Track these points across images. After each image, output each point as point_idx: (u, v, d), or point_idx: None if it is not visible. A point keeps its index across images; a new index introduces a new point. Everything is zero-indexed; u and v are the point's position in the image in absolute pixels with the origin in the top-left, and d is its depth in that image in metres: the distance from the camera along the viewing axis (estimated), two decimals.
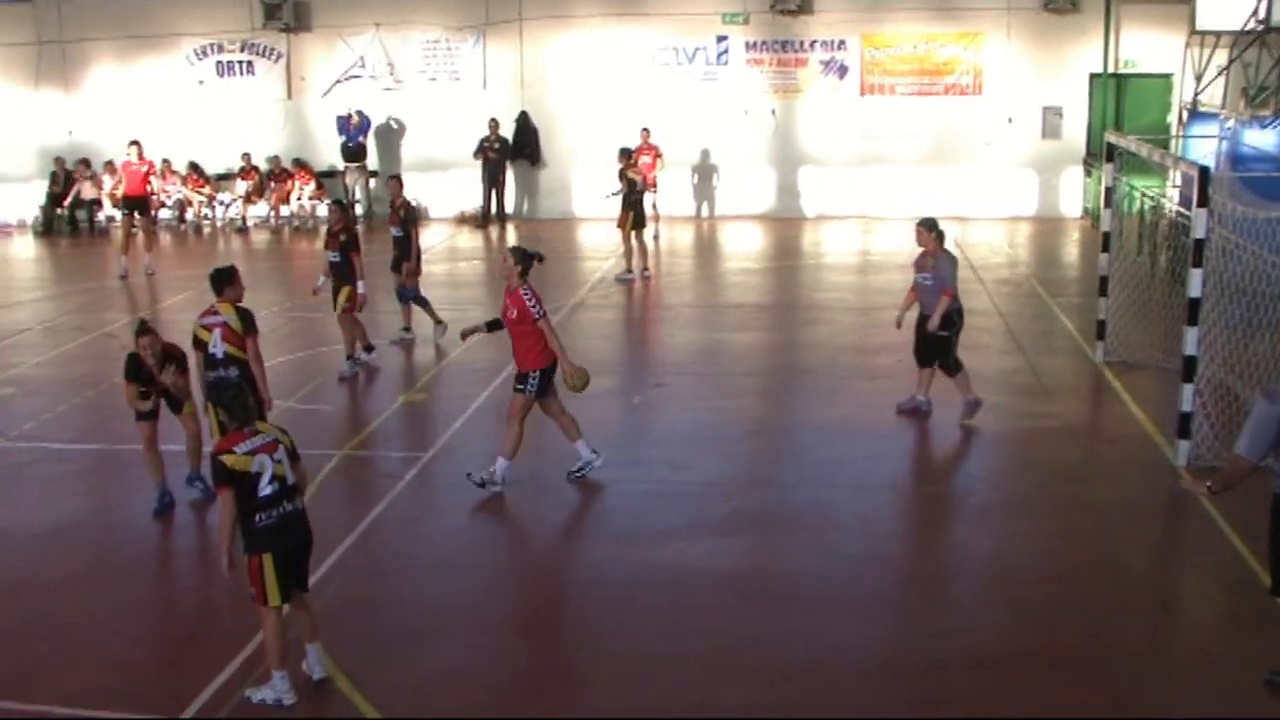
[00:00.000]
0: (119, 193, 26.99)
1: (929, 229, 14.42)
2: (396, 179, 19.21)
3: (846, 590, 10.20)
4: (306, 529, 8.81)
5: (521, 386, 12.36)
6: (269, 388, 12.49)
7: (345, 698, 8.66)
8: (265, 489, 8.44)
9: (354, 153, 31.62)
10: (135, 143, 26.16)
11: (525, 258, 12.39)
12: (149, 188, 26.91)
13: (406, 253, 18.32)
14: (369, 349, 17.15)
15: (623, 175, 23.48)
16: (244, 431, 8.58)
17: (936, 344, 14.21)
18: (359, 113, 31.41)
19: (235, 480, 8.36)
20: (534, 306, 12.13)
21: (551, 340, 12.21)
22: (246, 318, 12.33)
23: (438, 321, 18.50)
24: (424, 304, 18.61)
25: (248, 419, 8.66)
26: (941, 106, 29.79)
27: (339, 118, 31.44)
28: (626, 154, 24.00)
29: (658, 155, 27.92)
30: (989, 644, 9.30)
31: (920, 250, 14.52)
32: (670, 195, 29.18)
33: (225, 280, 12.47)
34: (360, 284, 16.72)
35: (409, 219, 18.54)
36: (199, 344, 12.30)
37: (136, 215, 26.11)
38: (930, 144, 29.83)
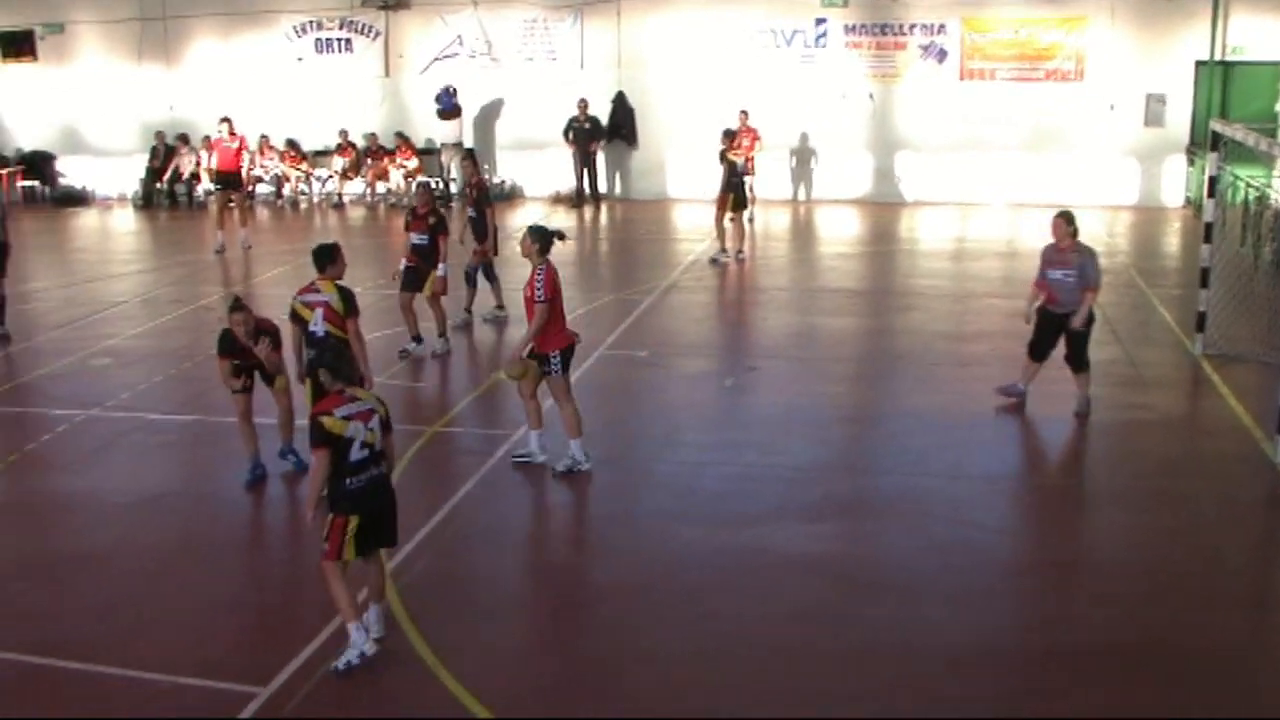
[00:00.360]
0: (212, 167, 27.21)
1: (1068, 222, 13.84)
2: (470, 159, 19.32)
3: (936, 579, 10.10)
4: (391, 494, 9.11)
5: (546, 369, 12.33)
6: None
7: (430, 671, 8.70)
8: (356, 454, 8.72)
9: (449, 114, 31.70)
10: (227, 119, 26.36)
11: (543, 236, 12.41)
12: (241, 164, 27.04)
13: (482, 233, 18.24)
14: (417, 340, 16.79)
15: (723, 157, 23.37)
16: (343, 395, 8.85)
17: (1078, 340, 13.83)
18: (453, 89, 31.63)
19: (331, 442, 8.62)
20: (539, 288, 12.10)
21: (538, 321, 12.14)
22: (349, 298, 12.22)
23: (500, 305, 18.61)
24: (493, 282, 18.62)
25: (350, 379, 9.01)
26: (1042, 93, 29.33)
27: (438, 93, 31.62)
28: (729, 135, 23.86)
29: (756, 138, 27.80)
30: (1080, 637, 9.18)
31: (1050, 243, 13.99)
32: (767, 179, 29.07)
33: (328, 257, 12.29)
34: (441, 267, 16.60)
35: (483, 199, 18.50)
36: (298, 319, 12.20)
37: (230, 192, 26.21)
38: (1030, 131, 29.38)
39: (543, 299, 12.08)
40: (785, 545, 10.79)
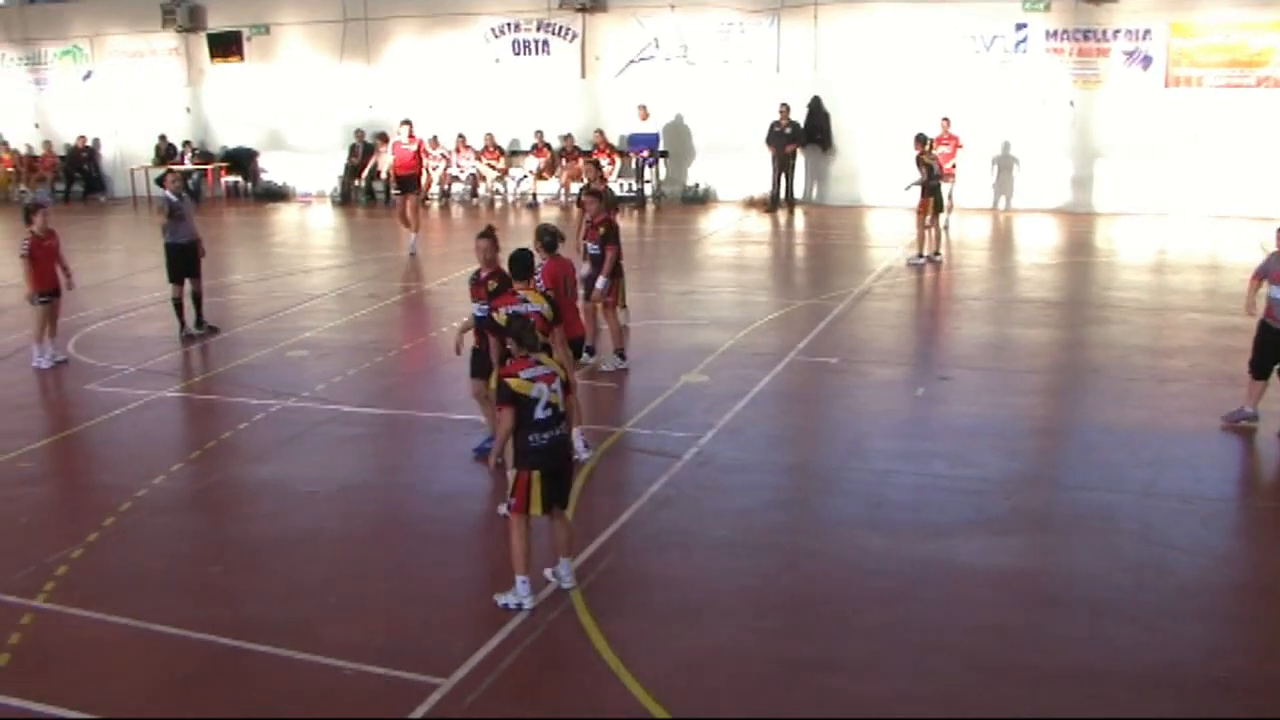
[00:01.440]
0: (391, 169, 27.43)
1: None
2: (594, 196, 17.11)
3: (1125, 598, 9.89)
4: (569, 453, 9.99)
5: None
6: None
7: (611, 671, 8.77)
8: (540, 413, 9.45)
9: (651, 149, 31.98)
10: (407, 121, 26.84)
11: (546, 234, 13.42)
12: (420, 166, 27.36)
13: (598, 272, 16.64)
14: (590, 350, 16.38)
15: (920, 162, 23.19)
16: (529, 359, 9.58)
17: None
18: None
19: (516, 401, 9.40)
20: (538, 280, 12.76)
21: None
22: (556, 307, 12.13)
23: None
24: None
25: (534, 346, 9.69)
26: (1253, 100, 28.45)
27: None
28: (922, 140, 23.66)
29: (957, 145, 27.53)
30: (1272, 668, 8.92)
31: (1273, 253, 13.53)
32: (965, 186, 28.76)
33: (528, 266, 11.97)
34: (602, 280, 16.26)
35: (608, 238, 16.64)
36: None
37: (409, 194, 26.44)
38: (1239, 140, 28.45)
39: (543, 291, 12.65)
40: (973, 558, 10.68)
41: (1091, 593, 10.00)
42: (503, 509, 10.11)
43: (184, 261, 18.80)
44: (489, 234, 12.60)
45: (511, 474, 9.68)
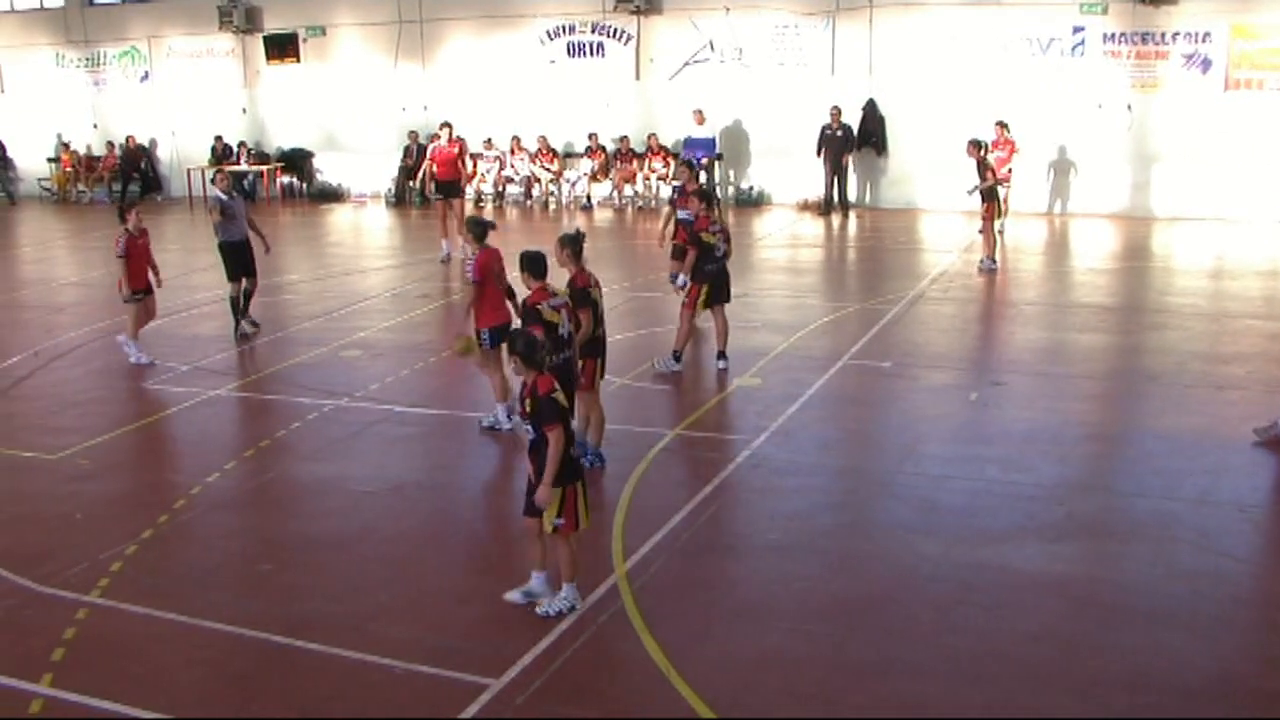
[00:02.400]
0: (433, 173, 26.44)
1: None
2: (699, 197, 17.22)
3: (1181, 607, 9.80)
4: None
5: (479, 342, 13.76)
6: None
7: (662, 674, 8.76)
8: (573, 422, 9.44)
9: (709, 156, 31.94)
10: (447, 124, 26.32)
11: (476, 225, 14.16)
12: (461, 170, 26.88)
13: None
14: (676, 356, 16.52)
15: (983, 164, 23.03)
16: (545, 375, 9.36)
17: None
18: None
19: (563, 416, 9.25)
20: (469, 270, 13.81)
21: (467, 300, 14.07)
22: (578, 295, 12.33)
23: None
24: None
25: (541, 365, 9.39)
26: None
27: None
28: (976, 145, 23.43)
29: (1013, 150, 27.37)
30: None
31: None
32: (1021, 190, 28.60)
33: (544, 266, 12.06)
34: (681, 277, 16.64)
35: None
36: (549, 325, 11.67)
37: (450, 199, 26.04)
38: None
39: (473, 279, 13.72)
40: (1026, 564, 10.60)
41: (1146, 601, 9.92)
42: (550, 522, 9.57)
43: (238, 260, 18.99)
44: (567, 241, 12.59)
45: (557, 492, 9.26)
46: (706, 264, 16.28)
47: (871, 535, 11.48)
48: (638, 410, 14.90)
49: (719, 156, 32.86)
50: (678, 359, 16.48)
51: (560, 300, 11.96)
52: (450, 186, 26.06)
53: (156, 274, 17.94)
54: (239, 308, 19.07)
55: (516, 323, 12.41)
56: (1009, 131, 27.58)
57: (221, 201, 19.02)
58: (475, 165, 32.89)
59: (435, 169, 26.24)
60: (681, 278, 16.54)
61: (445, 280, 23.59)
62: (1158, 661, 8.91)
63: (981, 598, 9.96)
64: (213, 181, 20.11)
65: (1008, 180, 26.76)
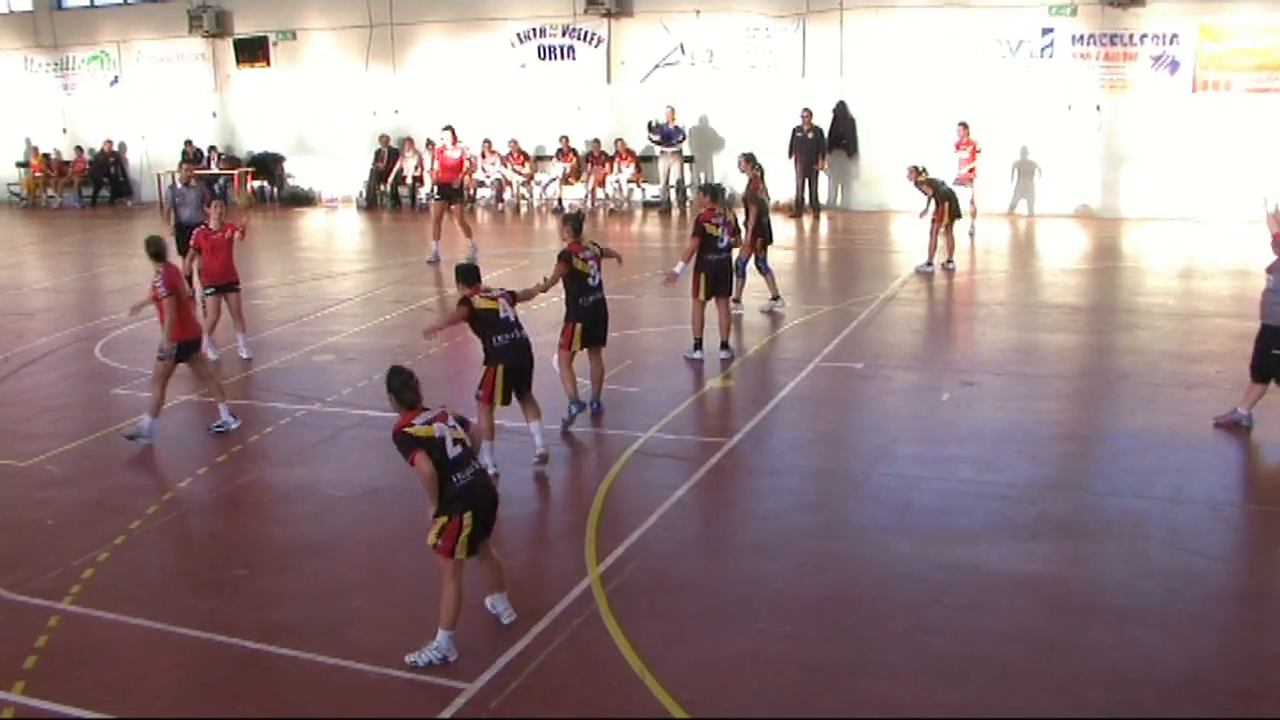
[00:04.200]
0: (436, 173, 26.77)
1: None
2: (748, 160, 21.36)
3: (1154, 605, 9.84)
4: (492, 485, 9.66)
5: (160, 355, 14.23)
6: None
7: (636, 676, 8.76)
8: (452, 450, 9.04)
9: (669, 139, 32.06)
10: (449, 127, 26.28)
11: (150, 245, 14.55)
12: (463, 172, 26.94)
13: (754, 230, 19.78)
14: (697, 343, 17.20)
15: (921, 186, 23.21)
16: (415, 410, 9.18)
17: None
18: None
19: (424, 445, 8.94)
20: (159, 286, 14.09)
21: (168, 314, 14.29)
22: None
23: (775, 295, 20.03)
24: (767, 275, 20.23)
25: (414, 402, 9.23)
26: None
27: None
28: (917, 170, 23.46)
29: (975, 150, 27.42)
30: None
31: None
32: (992, 191, 28.68)
33: (476, 274, 12.82)
34: (680, 265, 17.00)
35: (750, 199, 20.45)
36: (488, 313, 12.53)
37: (451, 200, 25.95)
38: (1268, 145, 28.05)
39: (165, 294, 14.03)
40: (1000, 564, 10.64)
41: (1119, 599, 9.95)
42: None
43: (187, 238, 19.66)
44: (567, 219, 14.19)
45: (439, 521, 9.14)
46: (708, 254, 16.98)
47: (846, 536, 11.50)
48: (611, 413, 14.88)
49: (689, 158, 32.87)
50: (699, 346, 17.11)
51: (592, 252, 14.23)
52: (451, 189, 25.93)
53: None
54: (191, 281, 19.14)
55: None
56: (971, 132, 27.60)
57: (174, 190, 21.72)
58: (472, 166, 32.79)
59: (438, 171, 26.31)
60: (680, 265, 16.78)
61: (435, 284, 23.51)
62: (1132, 659, 8.94)
63: (956, 597, 9.99)
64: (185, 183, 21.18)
65: (970, 180, 26.84)
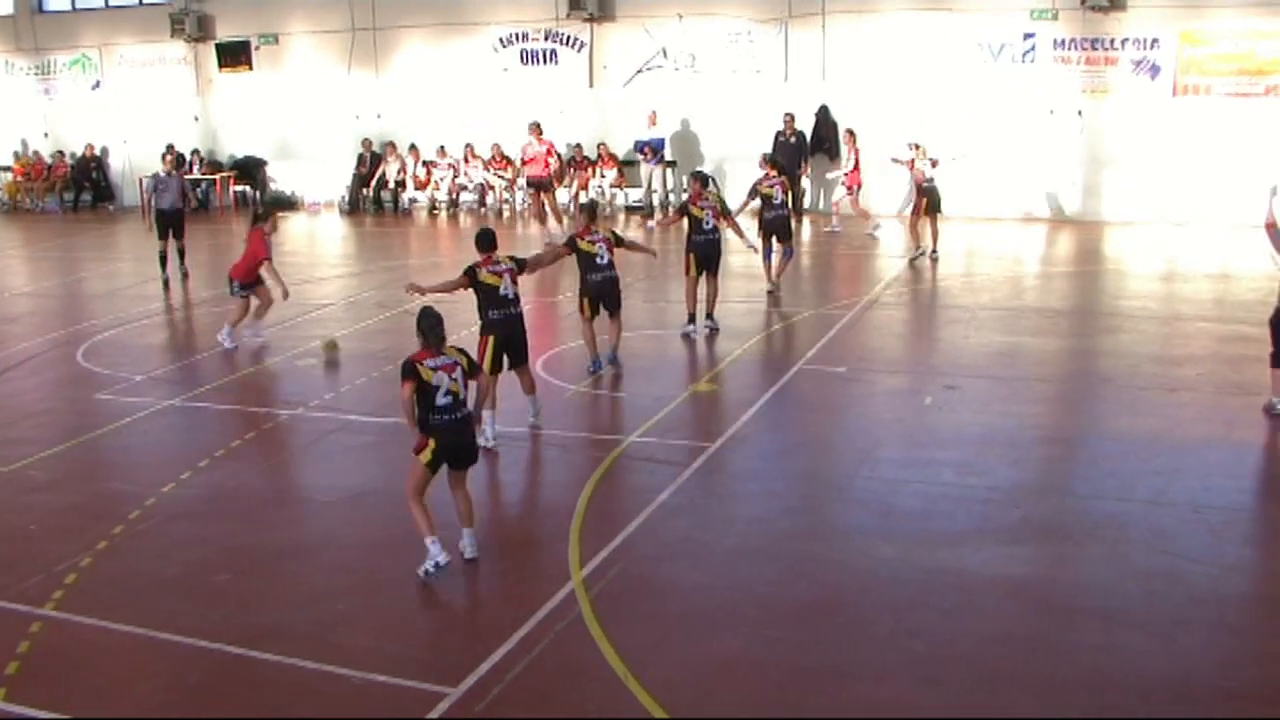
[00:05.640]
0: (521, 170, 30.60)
1: None
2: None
3: (1137, 607, 9.87)
4: (471, 433, 10.87)
5: None
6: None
7: (620, 680, 8.75)
8: (440, 399, 10.42)
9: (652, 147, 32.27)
10: (536, 124, 29.36)
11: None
12: (549, 167, 29.23)
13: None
14: (691, 318, 18.53)
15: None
16: (434, 352, 10.51)
17: None
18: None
19: (418, 382, 10.34)
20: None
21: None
22: (521, 260, 14.32)
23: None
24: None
25: (439, 343, 10.56)
26: (1262, 109, 28.28)
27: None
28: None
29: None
30: None
31: None
32: (973, 195, 28.74)
33: (493, 241, 13.85)
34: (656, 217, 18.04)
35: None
36: (489, 288, 13.65)
37: (541, 192, 28.89)
38: (1248, 149, 28.11)
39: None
40: (983, 567, 10.66)
41: (1102, 602, 9.98)
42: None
43: (164, 222, 24.06)
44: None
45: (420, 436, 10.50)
46: (695, 235, 18.59)
47: (829, 539, 11.51)
48: (594, 416, 14.90)
49: (671, 163, 32.88)
50: (692, 320, 18.61)
51: (601, 235, 16.06)
52: (541, 181, 28.68)
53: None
54: (166, 261, 23.98)
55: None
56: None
57: (156, 178, 24.65)
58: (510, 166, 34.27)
59: (524, 166, 29.73)
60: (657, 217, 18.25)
61: (402, 288, 23.46)
62: (1115, 662, 8.96)
63: (940, 601, 10.00)
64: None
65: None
